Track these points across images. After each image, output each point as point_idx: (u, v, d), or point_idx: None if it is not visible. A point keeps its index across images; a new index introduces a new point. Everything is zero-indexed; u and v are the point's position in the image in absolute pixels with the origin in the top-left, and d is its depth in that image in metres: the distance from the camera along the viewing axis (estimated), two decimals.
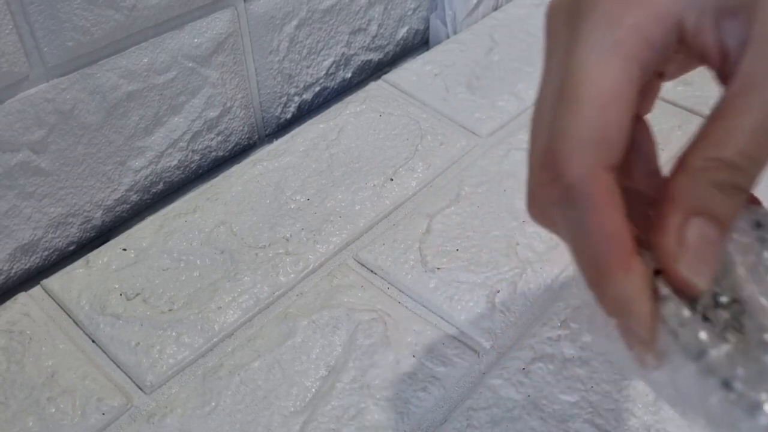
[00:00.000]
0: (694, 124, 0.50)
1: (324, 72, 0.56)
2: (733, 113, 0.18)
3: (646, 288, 0.19)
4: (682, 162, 0.19)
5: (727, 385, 0.18)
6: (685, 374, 0.18)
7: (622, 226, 0.18)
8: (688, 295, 0.19)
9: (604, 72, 0.18)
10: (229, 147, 0.52)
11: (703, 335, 0.18)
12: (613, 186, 0.19)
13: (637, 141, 0.21)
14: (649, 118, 0.22)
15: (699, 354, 0.18)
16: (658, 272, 0.19)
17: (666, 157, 0.48)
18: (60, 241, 0.44)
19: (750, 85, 0.18)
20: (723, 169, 0.18)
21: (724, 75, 0.19)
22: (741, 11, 0.18)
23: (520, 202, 0.45)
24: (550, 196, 0.19)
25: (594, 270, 0.19)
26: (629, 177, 0.21)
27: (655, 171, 0.22)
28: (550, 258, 0.41)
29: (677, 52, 0.19)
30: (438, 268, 0.40)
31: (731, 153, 0.18)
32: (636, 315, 0.19)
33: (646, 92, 0.21)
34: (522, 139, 0.50)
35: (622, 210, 0.19)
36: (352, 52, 0.58)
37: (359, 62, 0.59)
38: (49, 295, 0.39)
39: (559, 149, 0.19)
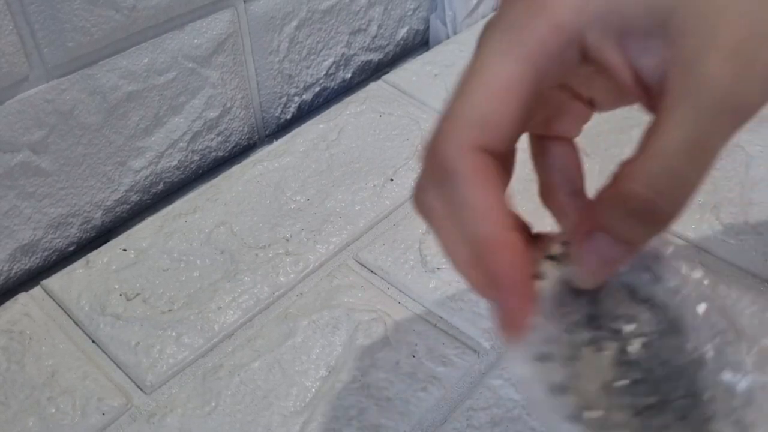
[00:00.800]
0: None
1: (324, 72, 0.56)
2: (654, 136, 0.18)
3: (520, 261, 0.19)
4: (598, 195, 0.20)
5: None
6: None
7: (497, 201, 0.19)
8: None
9: (497, 66, 0.19)
10: (229, 147, 0.52)
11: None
12: (489, 164, 0.19)
13: (563, 163, 0.23)
14: (578, 142, 0.23)
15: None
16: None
17: None
18: (60, 241, 0.44)
19: (672, 98, 0.18)
20: (635, 200, 0.18)
21: (649, 99, 0.19)
22: (653, 37, 0.18)
23: (519, 203, 0.44)
24: (429, 177, 0.20)
25: (467, 247, 0.19)
26: (553, 197, 0.23)
27: (579, 192, 0.22)
28: None
29: (585, 66, 0.20)
30: (438, 269, 0.40)
31: (640, 188, 0.18)
32: (506, 287, 0.19)
33: (570, 114, 0.22)
34: (521, 138, 0.50)
35: (498, 187, 0.19)
36: (352, 52, 0.58)
37: (359, 62, 0.59)
38: (50, 295, 0.39)
39: (441, 130, 0.19)
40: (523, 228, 0.21)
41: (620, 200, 0.19)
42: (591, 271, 0.20)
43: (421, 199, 0.21)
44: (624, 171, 0.19)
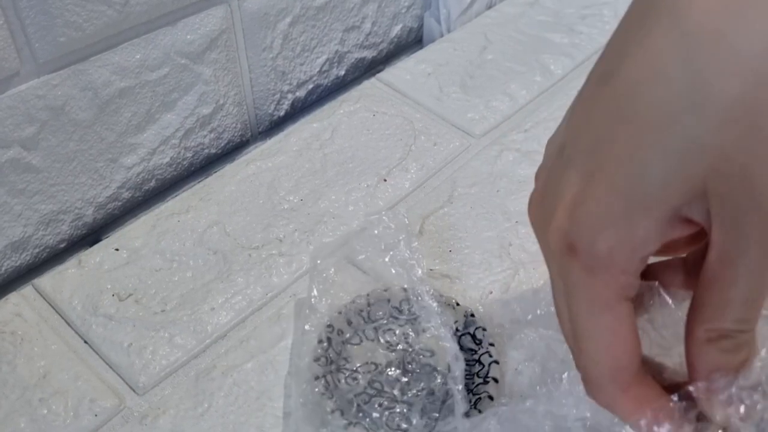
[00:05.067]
0: None
1: (317, 69, 0.56)
2: (723, 284, 0.21)
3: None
4: (689, 333, 0.23)
5: None
6: None
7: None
8: None
9: (607, 323, 0.23)
10: (222, 144, 0.52)
11: None
12: (652, 390, 0.23)
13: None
14: None
15: None
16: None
17: None
18: (51, 238, 0.43)
19: (729, 256, 0.21)
20: (725, 338, 0.22)
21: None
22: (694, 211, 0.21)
23: (513, 203, 0.45)
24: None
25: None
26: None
27: None
28: (542, 259, 0.41)
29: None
30: (431, 269, 0.41)
31: (729, 323, 0.22)
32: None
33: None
34: (515, 139, 0.50)
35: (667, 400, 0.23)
36: (345, 49, 0.58)
37: (353, 60, 0.59)
38: (41, 295, 0.39)
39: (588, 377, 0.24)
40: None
41: (709, 344, 0.22)
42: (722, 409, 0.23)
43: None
44: (706, 314, 0.22)
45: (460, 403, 0.29)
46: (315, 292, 0.35)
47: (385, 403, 0.33)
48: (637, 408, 0.23)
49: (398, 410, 0.32)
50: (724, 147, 0.19)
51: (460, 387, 0.30)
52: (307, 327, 0.34)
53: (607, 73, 0.21)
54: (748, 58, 0.19)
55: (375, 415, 0.32)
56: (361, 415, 0.32)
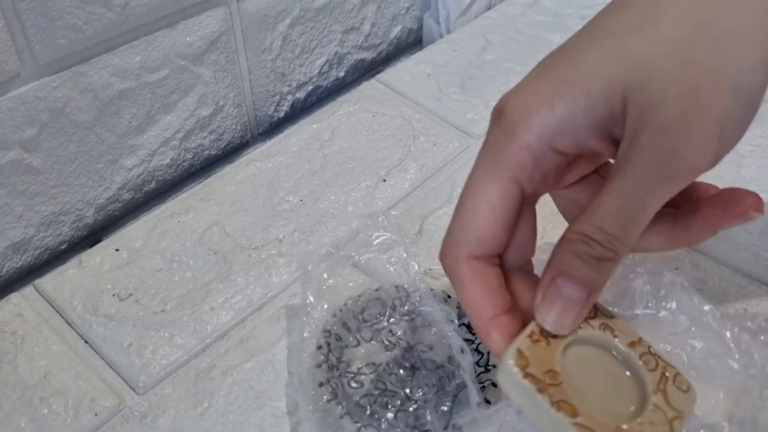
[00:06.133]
0: None
1: (317, 71, 0.56)
2: (600, 195, 0.23)
3: (504, 344, 0.25)
4: (560, 239, 0.24)
5: None
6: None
7: (482, 299, 0.25)
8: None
9: (482, 188, 0.25)
10: (222, 146, 0.52)
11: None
12: (479, 269, 0.25)
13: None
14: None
15: None
16: None
17: None
18: (52, 239, 0.44)
19: (615, 172, 0.23)
20: (582, 242, 0.23)
21: None
22: (613, 122, 0.23)
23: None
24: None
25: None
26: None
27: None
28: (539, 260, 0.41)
29: (579, 155, 0.26)
30: (430, 269, 0.41)
31: (591, 229, 0.23)
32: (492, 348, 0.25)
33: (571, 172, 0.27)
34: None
35: (487, 284, 0.25)
36: (345, 51, 0.58)
37: (352, 61, 0.59)
38: (42, 295, 0.39)
39: (444, 245, 0.26)
40: (511, 306, 0.26)
41: (574, 243, 0.24)
42: (560, 317, 0.25)
43: None
44: (579, 219, 0.24)
45: (474, 394, 0.29)
46: (310, 299, 0.35)
47: (396, 402, 0.33)
48: (466, 281, 0.25)
49: (410, 409, 0.32)
50: (653, 58, 0.22)
51: (472, 378, 0.30)
52: (305, 334, 0.34)
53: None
54: None
55: (388, 415, 0.32)
56: (371, 416, 0.32)
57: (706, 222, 0.27)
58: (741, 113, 0.23)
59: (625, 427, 0.25)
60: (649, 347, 0.27)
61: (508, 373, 0.25)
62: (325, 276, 0.36)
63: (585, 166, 0.27)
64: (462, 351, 0.31)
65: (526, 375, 0.24)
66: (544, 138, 0.24)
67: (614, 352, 0.27)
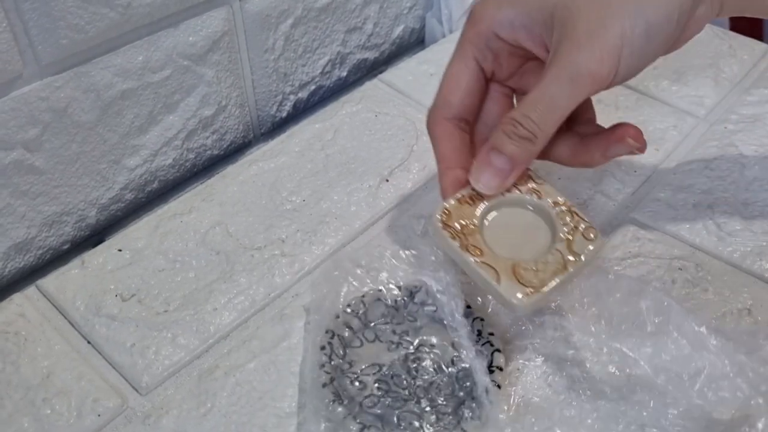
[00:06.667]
0: (689, 124, 0.51)
1: (319, 71, 0.56)
2: (531, 90, 0.31)
3: (450, 190, 0.35)
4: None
5: None
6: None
7: (446, 152, 0.35)
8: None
9: (452, 64, 0.35)
10: (224, 146, 0.52)
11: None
12: (450, 128, 0.35)
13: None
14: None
15: None
16: None
17: (661, 157, 0.48)
18: (54, 239, 0.44)
19: (543, 74, 0.31)
20: (511, 124, 0.31)
21: None
22: (547, 26, 0.32)
23: None
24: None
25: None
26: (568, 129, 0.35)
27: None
28: None
29: (515, 48, 0.34)
30: (432, 271, 0.41)
31: (518, 114, 0.31)
32: (444, 192, 0.35)
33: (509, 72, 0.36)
34: None
35: (453, 142, 0.35)
36: (347, 50, 0.58)
37: (355, 61, 0.59)
38: (45, 295, 0.39)
39: (428, 110, 0.36)
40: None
41: (503, 124, 0.32)
42: (488, 180, 0.33)
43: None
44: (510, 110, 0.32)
45: (494, 401, 0.30)
46: (318, 296, 0.35)
47: (399, 403, 0.33)
48: (439, 138, 0.35)
49: (414, 410, 0.32)
50: None
51: (485, 385, 0.30)
52: (310, 333, 0.34)
53: None
54: None
55: (392, 416, 0.32)
56: (374, 417, 0.32)
57: (597, 145, 0.34)
58: (640, 39, 0.29)
59: (522, 264, 0.32)
60: (570, 206, 0.34)
61: (433, 224, 0.33)
62: (336, 273, 0.36)
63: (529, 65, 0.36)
64: (472, 355, 0.31)
65: (445, 226, 0.33)
66: (490, 27, 0.33)
67: (532, 210, 0.34)
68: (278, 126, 0.55)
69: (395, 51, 0.63)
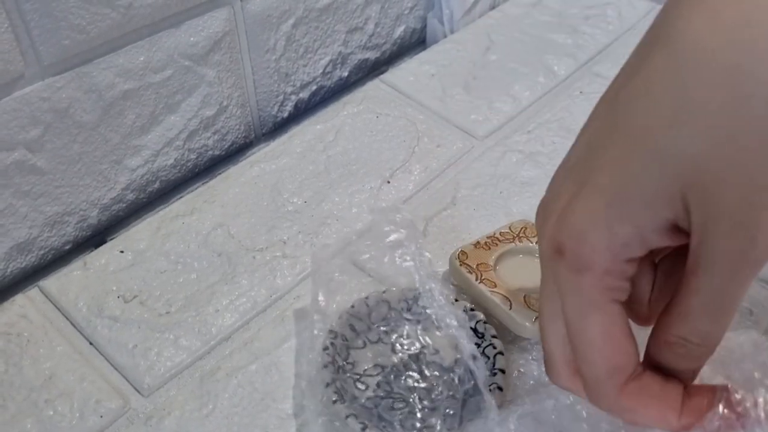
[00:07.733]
0: None
1: (321, 71, 0.56)
2: (686, 295, 0.23)
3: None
4: (652, 333, 0.25)
5: None
6: None
7: (657, 413, 0.25)
8: None
9: (592, 327, 0.24)
10: (226, 146, 0.52)
11: None
12: (636, 386, 0.25)
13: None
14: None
15: None
16: None
17: None
18: (56, 240, 0.44)
19: (694, 270, 0.22)
20: (682, 345, 0.24)
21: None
22: (681, 221, 0.22)
23: (516, 205, 0.45)
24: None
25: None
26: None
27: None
28: None
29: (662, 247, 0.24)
30: (435, 271, 0.41)
31: (686, 330, 0.23)
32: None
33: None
34: (518, 141, 0.50)
35: (652, 401, 0.25)
36: (348, 50, 0.58)
37: (356, 61, 0.59)
38: (47, 297, 0.39)
39: (588, 393, 0.25)
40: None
41: (669, 346, 0.24)
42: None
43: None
44: (670, 319, 0.24)
45: (491, 404, 0.30)
46: (321, 297, 0.35)
47: (402, 405, 0.33)
48: (636, 405, 0.24)
49: (416, 412, 0.32)
50: (700, 156, 0.20)
51: (485, 386, 0.31)
52: (315, 332, 0.34)
53: (611, 96, 0.23)
54: (730, 68, 0.19)
55: (394, 418, 0.32)
56: (377, 418, 0.32)
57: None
58: None
59: (532, 295, 0.35)
60: None
61: (452, 263, 0.37)
62: (337, 274, 0.36)
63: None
64: (474, 357, 0.31)
65: (462, 263, 0.37)
66: (617, 260, 0.23)
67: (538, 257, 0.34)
68: (279, 126, 0.55)
69: (396, 51, 0.63)
